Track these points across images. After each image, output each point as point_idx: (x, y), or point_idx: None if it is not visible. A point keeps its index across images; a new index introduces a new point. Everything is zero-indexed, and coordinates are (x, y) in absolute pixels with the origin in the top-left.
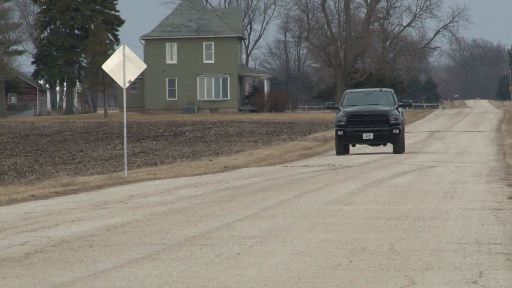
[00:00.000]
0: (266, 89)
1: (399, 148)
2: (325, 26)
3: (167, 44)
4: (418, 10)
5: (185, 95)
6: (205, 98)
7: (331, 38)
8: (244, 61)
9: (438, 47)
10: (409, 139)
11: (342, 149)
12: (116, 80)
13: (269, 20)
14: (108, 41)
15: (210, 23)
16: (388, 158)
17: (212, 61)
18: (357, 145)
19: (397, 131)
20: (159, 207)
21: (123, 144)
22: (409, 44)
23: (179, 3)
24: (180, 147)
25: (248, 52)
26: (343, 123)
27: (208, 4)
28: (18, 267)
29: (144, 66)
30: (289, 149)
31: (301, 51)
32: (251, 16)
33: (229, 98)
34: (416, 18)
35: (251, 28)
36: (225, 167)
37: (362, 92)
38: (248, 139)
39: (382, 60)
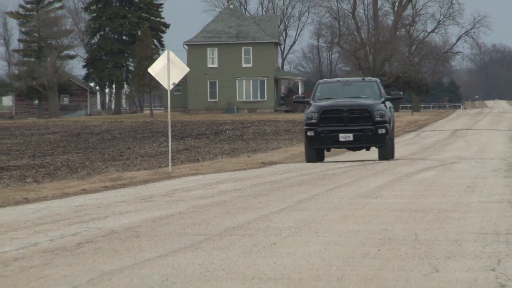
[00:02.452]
0: (300, 90)
1: (386, 153)
2: (355, 32)
3: (208, 49)
4: (441, 17)
5: (225, 96)
6: (244, 99)
7: (361, 43)
8: (279, 64)
9: (460, 52)
10: (433, 137)
11: (314, 155)
12: (161, 83)
13: (303, 27)
14: (153, 46)
15: (248, 29)
16: (411, 155)
17: (250, 65)
18: (332, 149)
19: (383, 131)
20: (201, 200)
21: (167, 141)
22: (433, 49)
23: (220, 11)
24: (220, 144)
25: (284, 56)
26: (314, 120)
27: (246, 12)
28: (70, 256)
29: (187, 69)
30: None
31: (332, 56)
32: (286, 23)
33: (266, 99)
34: (440, 25)
35: (286, 34)
36: (262, 163)
37: (339, 82)
38: (284, 137)
39: (408, 63)
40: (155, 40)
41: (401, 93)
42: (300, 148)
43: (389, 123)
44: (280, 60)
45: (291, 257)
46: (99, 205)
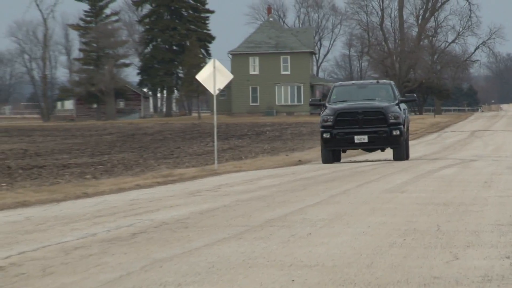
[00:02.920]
0: None
1: (400, 154)
2: (383, 43)
3: (250, 58)
4: (461, 29)
5: (265, 100)
6: (282, 103)
7: (388, 52)
8: (315, 72)
9: (477, 60)
10: (454, 138)
11: (330, 156)
12: (207, 88)
13: (336, 38)
14: (201, 56)
15: (286, 40)
16: (433, 154)
17: (288, 72)
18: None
19: (398, 133)
20: (243, 195)
21: (213, 141)
22: (453, 58)
23: (261, 24)
24: (261, 144)
25: (318, 64)
26: (330, 123)
27: (284, 24)
28: (126, 245)
29: (231, 76)
30: None
31: (362, 64)
32: (321, 34)
33: (302, 103)
34: (459, 36)
35: (320, 44)
36: (299, 161)
37: (354, 84)
38: (316, 137)
39: (431, 71)
40: (202, 50)
41: (415, 95)
42: None
43: (403, 125)
44: (315, 67)
45: (325, 246)
46: (152, 199)
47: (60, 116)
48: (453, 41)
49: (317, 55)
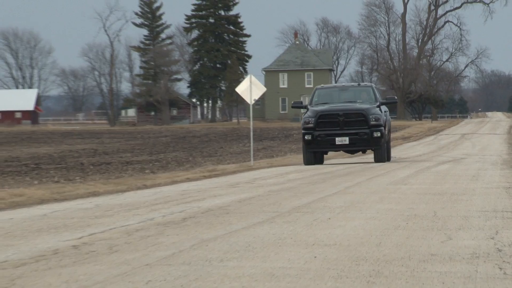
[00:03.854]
0: None
1: (381, 155)
2: (389, 62)
3: (280, 74)
4: (453, 50)
5: (292, 109)
6: None
7: (393, 69)
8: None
9: (467, 76)
10: (447, 139)
11: (311, 158)
12: (245, 99)
13: (350, 57)
14: (239, 72)
15: (309, 59)
16: (431, 153)
17: (311, 86)
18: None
19: (379, 134)
20: (274, 186)
21: (250, 142)
22: (447, 74)
23: (289, 46)
24: (289, 145)
25: (336, 79)
26: (311, 125)
27: (308, 46)
28: (178, 227)
29: (264, 89)
30: None
31: (372, 79)
32: (338, 54)
33: None
34: (452, 56)
35: (338, 63)
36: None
37: (336, 87)
38: None
39: (428, 84)
40: (240, 67)
41: (396, 97)
42: None
43: (384, 127)
44: (333, 82)
45: (341, 229)
46: (199, 190)
47: (124, 121)
48: (447, 60)
49: (335, 72)
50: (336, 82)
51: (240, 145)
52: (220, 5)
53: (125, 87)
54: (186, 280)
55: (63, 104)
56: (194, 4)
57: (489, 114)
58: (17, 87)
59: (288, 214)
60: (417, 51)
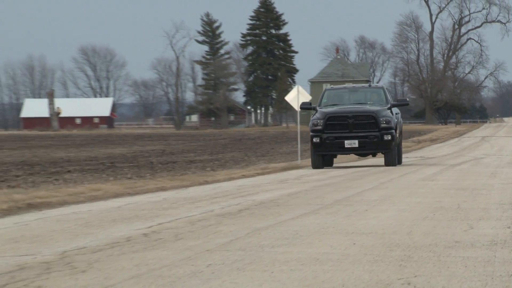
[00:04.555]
0: None
1: (391, 159)
2: (419, 74)
3: (324, 84)
4: (474, 63)
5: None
6: None
7: (422, 80)
8: None
9: (486, 86)
10: (469, 141)
11: (320, 161)
12: (293, 106)
13: (384, 70)
14: (288, 83)
15: (349, 71)
16: (455, 153)
17: None
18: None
19: (389, 137)
20: (318, 182)
21: (297, 144)
22: (469, 84)
23: (331, 60)
24: None
25: None
26: (319, 127)
27: (348, 60)
28: (234, 218)
29: (309, 97)
30: None
31: (404, 88)
32: (374, 67)
33: None
34: (473, 69)
35: (374, 74)
36: (357, 158)
37: (346, 88)
38: None
39: (453, 93)
40: (289, 79)
41: (407, 99)
42: None
43: (395, 130)
44: None
45: (376, 219)
46: (253, 185)
47: (188, 126)
48: (469, 72)
49: (371, 83)
50: None
51: (289, 146)
52: (271, 25)
53: (189, 96)
54: (241, 263)
55: (135, 111)
56: (249, 24)
57: (506, 119)
58: (95, 96)
59: (330, 206)
60: (443, 64)
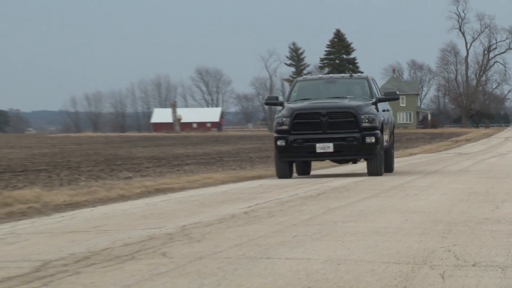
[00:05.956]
0: (429, 117)
1: (376, 167)
2: (457, 88)
3: None
4: (500, 81)
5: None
6: (400, 122)
7: (459, 94)
8: (418, 104)
9: (509, 98)
10: (496, 140)
11: (286, 169)
12: None
13: (430, 86)
14: None
15: (403, 87)
16: (485, 150)
17: (404, 105)
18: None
19: (373, 140)
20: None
21: None
22: (496, 97)
23: (389, 78)
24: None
25: (421, 101)
26: (285, 127)
27: (402, 78)
28: (313, 200)
29: None
30: (439, 145)
31: (445, 100)
32: (422, 84)
33: (411, 121)
34: (499, 85)
35: (422, 88)
36: (409, 154)
37: (322, 79)
38: (419, 141)
39: (483, 104)
40: None
41: (397, 91)
42: (428, 146)
43: (381, 130)
44: (419, 102)
45: (424, 201)
46: (329, 176)
47: None
48: (495, 88)
49: (420, 96)
50: (421, 102)
51: None
52: (343, 51)
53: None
54: (319, 235)
55: (238, 117)
56: (325, 50)
57: None
58: (207, 106)
59: (388, 191)
60: (475, 81)
